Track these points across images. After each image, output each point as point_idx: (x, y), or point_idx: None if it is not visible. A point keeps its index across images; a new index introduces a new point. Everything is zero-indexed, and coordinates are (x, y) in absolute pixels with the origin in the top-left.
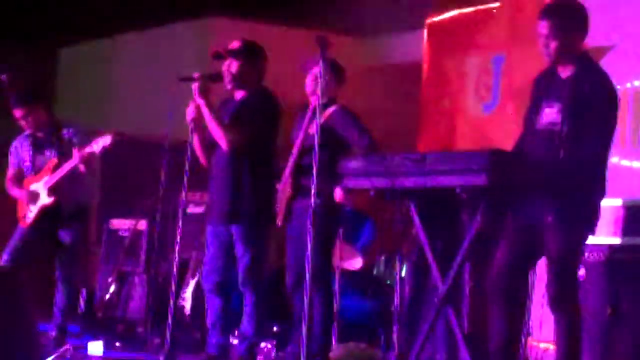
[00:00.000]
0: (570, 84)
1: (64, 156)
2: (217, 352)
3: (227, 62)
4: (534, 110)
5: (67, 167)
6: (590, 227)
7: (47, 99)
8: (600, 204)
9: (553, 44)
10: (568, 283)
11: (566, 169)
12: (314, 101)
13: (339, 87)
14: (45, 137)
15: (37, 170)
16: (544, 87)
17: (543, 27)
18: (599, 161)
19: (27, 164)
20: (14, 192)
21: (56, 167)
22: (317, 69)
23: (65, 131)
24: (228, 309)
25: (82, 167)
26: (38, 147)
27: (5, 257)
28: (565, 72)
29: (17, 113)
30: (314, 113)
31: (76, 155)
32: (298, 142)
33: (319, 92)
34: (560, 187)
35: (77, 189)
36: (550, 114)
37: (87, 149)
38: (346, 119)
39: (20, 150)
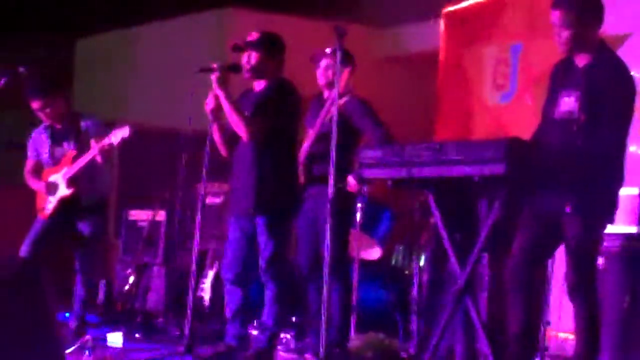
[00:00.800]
0: (587, 72)
1: (83, 148)
2: (237, 343)
3: (246, 54)
4: (551, 100)
5: (85, 158)
6: (609, 216)
7: (65, 90)
8: (619, 192)
9: (565, 34)
10: (587, 272)
11: (584, 157)
12: (326, 92)
13: (350, 76)
14: (64, 128)
15: (55, 162)
16: (561, 77)
17: (555, 16)
18: (617, 149)
19: (46, 155)
20: (33, 183)
21: (75, 159)
22: (326, 61)
23: (83, 123)
24: (248, 300)
25: (99, 159)
26: (56, 138)
27: (24, 248)
28: (582, 61)
29: (35, 104)
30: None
31: (94, 146)
32: (315, 130)
33: (334, 81)
34: (578, 176)
35: (95, 181)
36: (567, 103)
37: (106, 141)
38: (361, 109)
39: (38, 141)
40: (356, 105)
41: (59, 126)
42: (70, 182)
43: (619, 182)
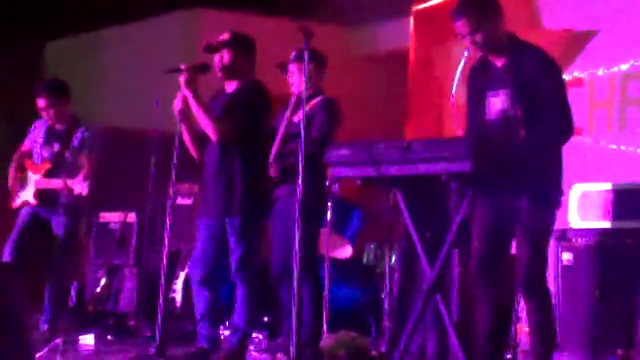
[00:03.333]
0: (509, 69)
1: (71, 155)
2: (207, 344)
3: (219, 54)
4: (477, 103)
5: (53, 184)
6: (558, 202)
7: (70, 95)
8: (561, 179)
9: (479, 37)
10: (541, 264)
11: (534, 149)
12: (297, 94)
13: (321, 75)
14: (61, 131)
15: (42, 159)
16: (481, 79)
17: (460, 26)
18: (562, 135)
19: (37, 149)
20: (12, 169)
21: (49, 172)
22: (293, 66)
23: (80, 131)
24: (217, 301)
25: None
26: (50, 137)
27: (8, 252)
28: (499, 60)
29: (41, 102)
30: (297, 102)
31: (60, 181)
32: (281, 130)
33: (303, 81)
34: (531, 168)
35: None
36: (498, 102)
37: (70, 185)
38: (324, 110)
39: (36, 133)
40: (322, 106)
41: (58, 127)
42: (37, 193)
43: (561, 166)
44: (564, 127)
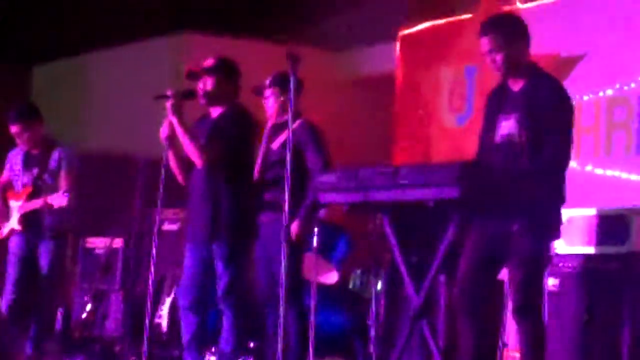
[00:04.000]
0: (523, 94)
1: (51, 177)
2: None
3: (202, 80)
4: (489, 126)
5: (33, 204)
6: (555, 233)
7: (42, 118)
8: (561, 210)
9: (499, 57)
10: (534, 291)
11: (529, 176)
12: (272, 120)
13: (298, 99)
14: (38, 155)
15: (23, 186)
16: (497, 103)
17: (485, 44)
18: (560, 167)
19: (17, 178)
20: None
21: (29, 197)
22: (269, 91)
23: (57, 152)
24: (204, 327)
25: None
26: (28, 164)
27: (9, 291)
28: (516, 85)
29: (14, 128)
30: (274, 129)
31: (40, 200)
32: (259, 158)
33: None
34: (525, 195)
35: (57, 213)
36: (507, 127)
37: (49, 200)
38: (306, 135)
39: (13, 161)
40: (304, 130)
41: (34, 151)
42: (22, 219)
43: (560, 199)
44: (558, 160)
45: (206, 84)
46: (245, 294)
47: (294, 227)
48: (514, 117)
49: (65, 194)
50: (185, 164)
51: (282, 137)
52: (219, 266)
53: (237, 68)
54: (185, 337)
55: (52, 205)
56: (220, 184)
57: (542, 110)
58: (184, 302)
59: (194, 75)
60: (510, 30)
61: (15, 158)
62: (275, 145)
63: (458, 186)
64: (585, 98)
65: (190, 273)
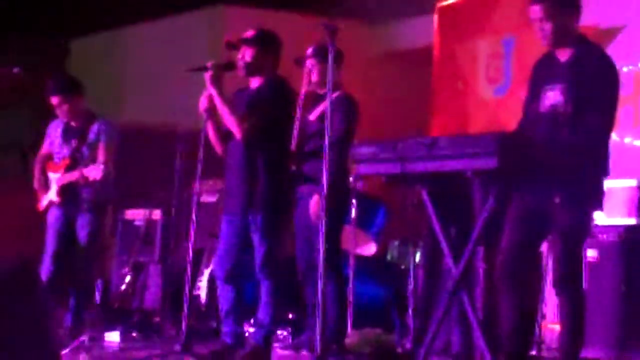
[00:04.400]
0: (570, 65)
1: (89, 150)
2: (232, 340)
3: (241, 51)
4: (534, 95)
5: (70, 177)
6: (597, 204)
7: (83, 90)
8: (604, 181)
9: (547, 26)
10: (575, 263)
11: (571, 148)
12: (307, 90)
13: (338, 71)
14: (77, 127)
15: (61, 158)
16: (544, 72)
17: (535, 11)
18: (602, 140)
19: (56, 149)
20: (36, 171)
21: (68, 169)
22: (310, 61)
23: (96, 125)
24: (241, 298)
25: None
26: (68, 136)
27: (47, 264)
28: (564, 55)
29: (55, 100)
30: (312, 100)
31: (76, 172)
32: (296, 130)
33: (321, 80)
34: (566, 167)
35: (95, 186)
36: (552, 97)
37: (86, 172)
38: (340, 106)
39: (53, 134)
40: (340, 102)
41: (74, 124)
42: (60, 191)
43: (604, 171)
44: (601, 132)
45: (245, 55)
46: (282, 265)
47: (313, 203)
48: (559, 87)
49: (101, 166)
50: (224, 135)
51: (320, 109)
52: (256, 238)
53: (277, 39)
54: (222, 308)
55: (87, 178)
56: (258, 156)
57: (589, 81)
58: (220, 274)
59: (232, 46)
60: (560, 1)
61: (55, 130)
62: (313, 116)
63: (496, 157)
64: (625, 69)
65: (226, 244)
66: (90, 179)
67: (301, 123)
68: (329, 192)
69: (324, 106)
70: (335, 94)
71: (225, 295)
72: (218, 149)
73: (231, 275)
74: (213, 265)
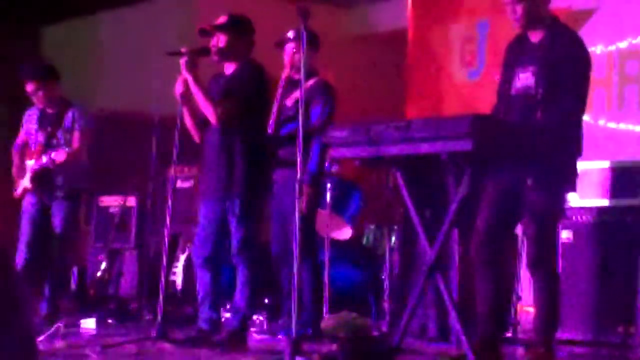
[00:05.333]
0: (542, 47)
1: (64, 136)
2: (209, 326)
3: (215, 37)
4: (507, 77)
5: (40, 162)
6: (569, 186)
7: (58, 76)
8: (577, 163)
9: (519, 9)
10: (548, 244)
11: (543, 130)
12: (288, 74)
13: (314, 56)
14: (53, 114)
15: (37, 144)
16: (516, 54)
17: None
18: (574, 121)
19: (32, 136)
20: (15, 159)
21: (41, 153)
22: (291, 44)
23: (72, 111)
24: (218, 284)
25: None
26: (43, 123)
27: (22, 252)
28: (536, 36)
29: (30, 86)
30: (288, 85)
31: (46, 156)
32: (273, 114)
33: (299, 64)
34: (538, 149)
35: (70, 173)
36: (524, 79)
37: (54, 156)
38: (319, 93)
39: (29, 121)
40: (317, 89)
41: (50, 111)
42: (33, 177)
43: (577, 152)
44: (571, 114)
45: (219, 40)
46: (259, 250)
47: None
48: (531, 69)
49: (65, 149)
50: (200, 121)
51: (296, 94)
52: (233, 223)
53: (250, 24)
54: (200, 293)
55: (55, 161)
56: (235, 141)
57: (559, 63)
58: (198, 259)
59: (205, 32)
60: None
61: (31, 117)
62: (290, 101)
63: (471, 139)
64: (598, 51)
65: (204, 230)
66: (57, 161)
67: (279, 107)
68: (314, 178)
69: (299, 91)
70: (312, 81)
71: (203, 281)
72: (194, 134)
73: (210, 260)
74: (192, 250)
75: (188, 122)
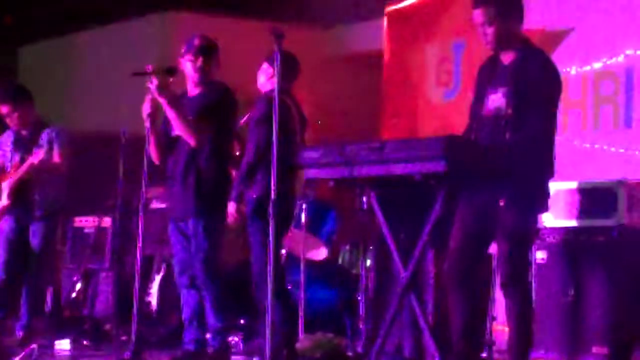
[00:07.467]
0: (513, 68)
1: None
2: (195, 347)
3: (185, 62)
4: (478, 99)
5: (18, 173)
6: (541, 206)
7: (32, 98)
8: (549, 183)
9: (490, 31)
10: (520, 264)
11: (514, 151)
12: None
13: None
14: (28, 135)
15: (13, 166)
16: (488, 75)
17: (478, 15)
18: (545, 142)
19: (8, 159)
20: None
21: (17, 169)
22: (264, 63)
23: (48, 131)
24: (203, 304)
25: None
26: (18, 145)
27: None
28: (507, 58)
29: (4, 109)
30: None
31: (23, 166)
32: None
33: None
34: (509, 170)
35: (48, 188)
36: (495, 100)
37: (31, 159)
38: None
39: (4, 144)
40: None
41: (24, 132)
42: (10, 193)
43: (548, 173)
44: (540, 135)
45: (192, 66)
46: (235, 270)
47: (231, 207)
48: (502, 91)
49: (42, 149)
50: (163, 143)
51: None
52: (193, 244)
53: (216, 46)
54: (186, 315)
55: (34, 164)
56: (201, 161)
57: (530, 84)
58: (184, 280)
59: (173, 71)
60: (503, 3)
61: (5, 140)
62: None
63: (444, 160)
64: (572, 72)
65: (179, 251)
66: (36, 162)
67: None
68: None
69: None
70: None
71: (188, 302)
72: (155, 155)
73: (195, 280)
74: (175, 274)
75: (151, 142)
